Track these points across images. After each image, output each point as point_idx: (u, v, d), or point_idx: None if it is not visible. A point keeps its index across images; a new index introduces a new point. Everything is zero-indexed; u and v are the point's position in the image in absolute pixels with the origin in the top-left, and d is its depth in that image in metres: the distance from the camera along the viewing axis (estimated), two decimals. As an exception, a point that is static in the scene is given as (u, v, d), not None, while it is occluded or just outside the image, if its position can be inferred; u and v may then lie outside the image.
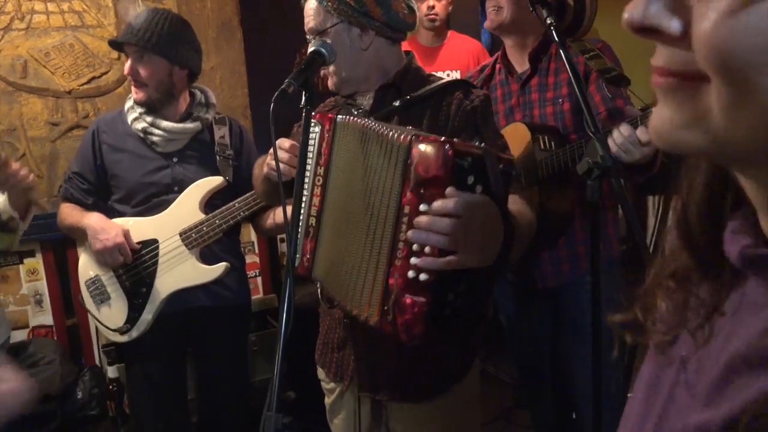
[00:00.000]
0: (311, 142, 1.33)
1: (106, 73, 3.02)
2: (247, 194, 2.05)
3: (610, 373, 2.09)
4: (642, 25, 0.37)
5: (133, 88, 2.06)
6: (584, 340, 2.03)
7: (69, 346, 3.02)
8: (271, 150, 1.54)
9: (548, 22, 1.40)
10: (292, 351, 1.63)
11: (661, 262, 0.53)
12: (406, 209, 1.11)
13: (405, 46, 1.57)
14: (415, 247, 1.09)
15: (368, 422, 1.52)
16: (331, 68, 1.43)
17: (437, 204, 1.07)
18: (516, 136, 1.92)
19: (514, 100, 2.03)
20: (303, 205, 1.34)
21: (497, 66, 2.10)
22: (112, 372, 2.69)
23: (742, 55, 0.32)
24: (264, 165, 1.52)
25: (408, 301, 1.10)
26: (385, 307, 1.13)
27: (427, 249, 1.08)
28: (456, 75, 3.03)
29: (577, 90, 1.29)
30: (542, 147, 1.86)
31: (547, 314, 2.24)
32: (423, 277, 1.08)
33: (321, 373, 1.63)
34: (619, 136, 1.54)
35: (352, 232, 1.24)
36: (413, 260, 1.08)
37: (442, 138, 1.08)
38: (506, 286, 2.23)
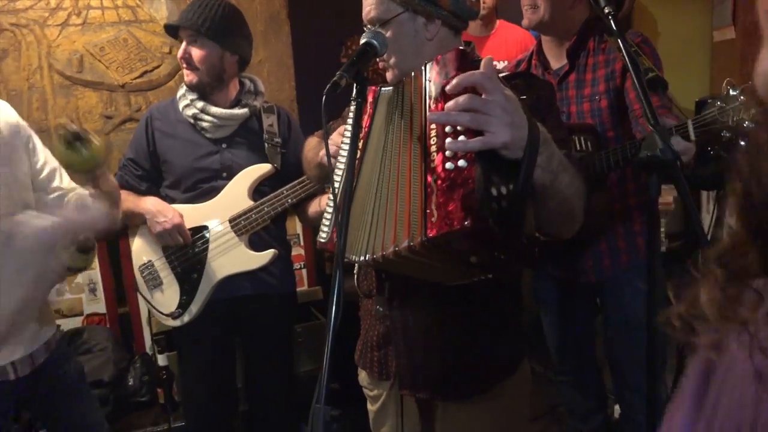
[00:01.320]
0: (352, 114, 1.32)
1: (157, 67, 3.08)
2: (295, 182, 2.08)
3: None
4: None
5: (185, 71, 2.12)
6: (629, 336, 2.00)
7: (121, 333, 3.10)
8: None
9: (606, 11, 1.35)
10: (337, 342, 1.63)
11: (715, 252, 0.49)
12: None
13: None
14: (448, 141, 1.04)
15: (414, 425, 1.48)
16: (392, 60, 1.36)
17: (456, 79, 1.04)
18: None
19: None
20: (340, 182, 1.29)
21: (533, 61, 2.07)
22: (162, 360, 2.75)
23: None
24: (319, 153, 1.51)
25: (453, 190, 1.03)
26: (428, 210, 1.06)
27: (461, 138, 1.04)
28: (502, 66, 2.98)
29: (635, 80, 1.24)
30: (578, 148, 1.82)
31: (587, 309, 2.20)
32: (461, 163, 1.03)
33: (363, 378, 1.58)
34: None
35: (383, 182, 1.21)
36: (447, 142, 1.04)
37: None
38: (547, 280, 2.21)
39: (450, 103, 1.03)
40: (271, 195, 2.11)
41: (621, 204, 1.98)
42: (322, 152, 1.46)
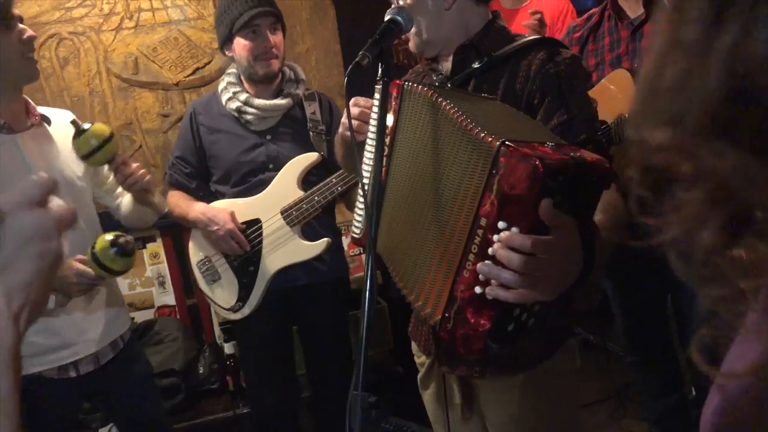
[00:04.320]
0: (376, 109, 1.28)
1: (208, 63, 3.14)
2: (342, 169, 2.07)
3: None
4: None
5: (272, 62, 2.08)
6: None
7: (190, 324, 3.21)
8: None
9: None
10: (400, 326, 1.62)
11: None
12: (483, 221, 1.02)
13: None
14: (484, 274, 1.02)
15: (457, 400, 1.47)
16: (413, 29, 1.36)
17: (516, 241, 0.96)
18: (618, 85, 1.80)
19: (622, 48, 1.90)
20: (370, 175, 1.27)
21: (606, 12, 1.97)
22: (228, 348, 2.83)
23: None
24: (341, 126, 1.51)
25: (470, 316, 1.04)
26: (447, 314, 1.07)
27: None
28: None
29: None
30: None
31: (657, 281, 2.07)
32: (488, 296, 1.02)
33: (414, 347, 1.60)
34: None
35: (417, 216, 1.17)
36: (480, 285, 1.02)
37: (534, 154, 0.96)
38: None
39: (501, 253, 0.97)
40: (321, 184, 2.10)
41: None
42: (344, 124, 1.44)
